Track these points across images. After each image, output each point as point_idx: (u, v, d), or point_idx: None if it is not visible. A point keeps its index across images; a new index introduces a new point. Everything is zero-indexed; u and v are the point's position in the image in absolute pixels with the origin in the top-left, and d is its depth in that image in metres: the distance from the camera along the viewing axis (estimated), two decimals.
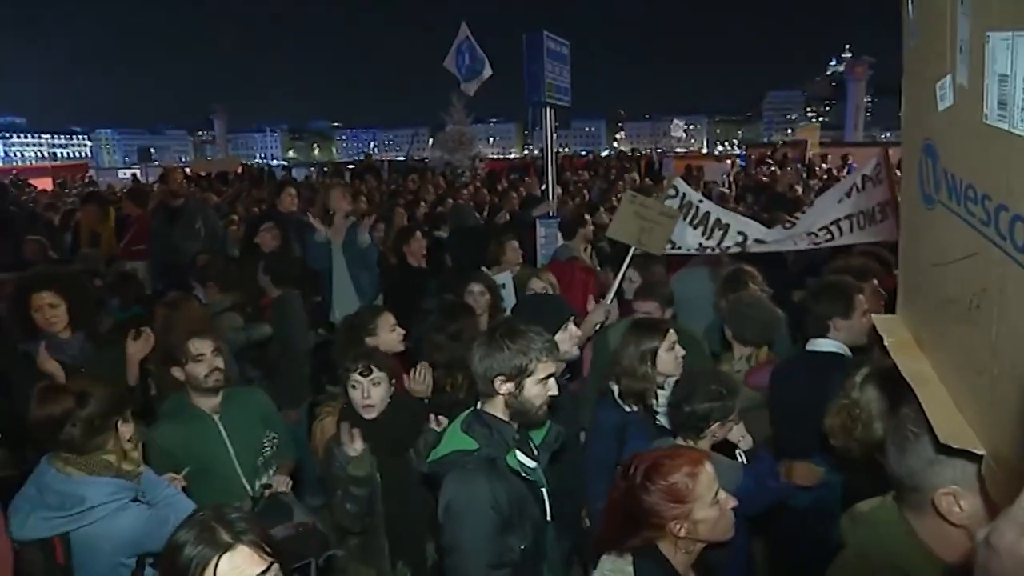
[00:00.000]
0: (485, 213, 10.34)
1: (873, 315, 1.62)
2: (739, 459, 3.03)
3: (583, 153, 59.59)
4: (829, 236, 4.99)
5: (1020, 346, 0.93)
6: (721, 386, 2.92)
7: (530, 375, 2.52)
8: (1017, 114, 0.87)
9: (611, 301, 4.71)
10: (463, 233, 7.45)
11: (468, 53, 13.57)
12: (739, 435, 3.01)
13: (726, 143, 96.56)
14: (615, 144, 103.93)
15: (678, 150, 51.35)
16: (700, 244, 5.23)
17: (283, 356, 5.34)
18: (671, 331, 3.48)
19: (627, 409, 3.37)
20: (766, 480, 2.95)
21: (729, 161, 24.00)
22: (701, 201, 5.37)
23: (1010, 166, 0.90)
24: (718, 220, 5.25)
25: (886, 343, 1.50)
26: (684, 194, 5.37)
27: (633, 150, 40.66)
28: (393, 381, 3.37)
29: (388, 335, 3.99)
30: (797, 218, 5.31)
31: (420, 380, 3.72)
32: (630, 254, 4.97)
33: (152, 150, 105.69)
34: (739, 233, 5.19)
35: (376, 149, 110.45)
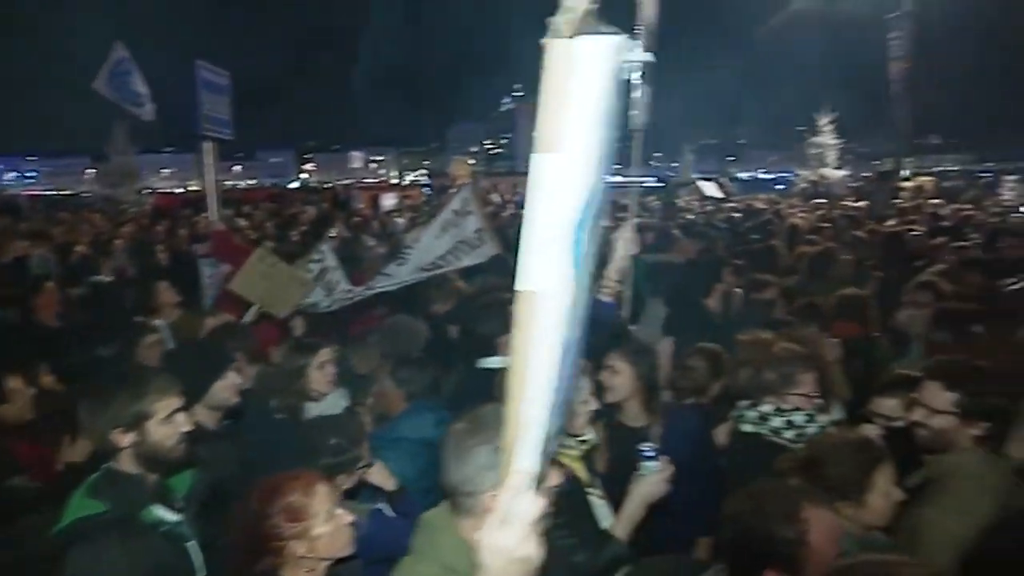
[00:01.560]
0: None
1: None
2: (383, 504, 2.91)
3: (268, 185, 57.21)
4: (439, 267, 5.77)
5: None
6: (343, 438, 2.83)
7: (151, 418, 2.36)
8: None
9: None
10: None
11: (129, 75, 12.22)
12: (381, 479, 2.90)
13: (414, 173, 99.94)
14: (303, 175, 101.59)
15: (367, 181, 52.01)
16: (326, 306, 5.73)
17: None
18: (324, 350, 3.70)
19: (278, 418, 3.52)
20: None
21: (414, 192, 26.94)
22: (337, 269, 5.85)
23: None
24: (347, 290, 5.79)
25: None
26: (327, 259, 5.86)
27: (321, 182, 40.48)
28: None
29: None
30: (404, 257, 5.88)
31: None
32: (253, 310, 5.11)
33: None
34: (359, 293, 5.79)
35: (17, 181, 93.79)
